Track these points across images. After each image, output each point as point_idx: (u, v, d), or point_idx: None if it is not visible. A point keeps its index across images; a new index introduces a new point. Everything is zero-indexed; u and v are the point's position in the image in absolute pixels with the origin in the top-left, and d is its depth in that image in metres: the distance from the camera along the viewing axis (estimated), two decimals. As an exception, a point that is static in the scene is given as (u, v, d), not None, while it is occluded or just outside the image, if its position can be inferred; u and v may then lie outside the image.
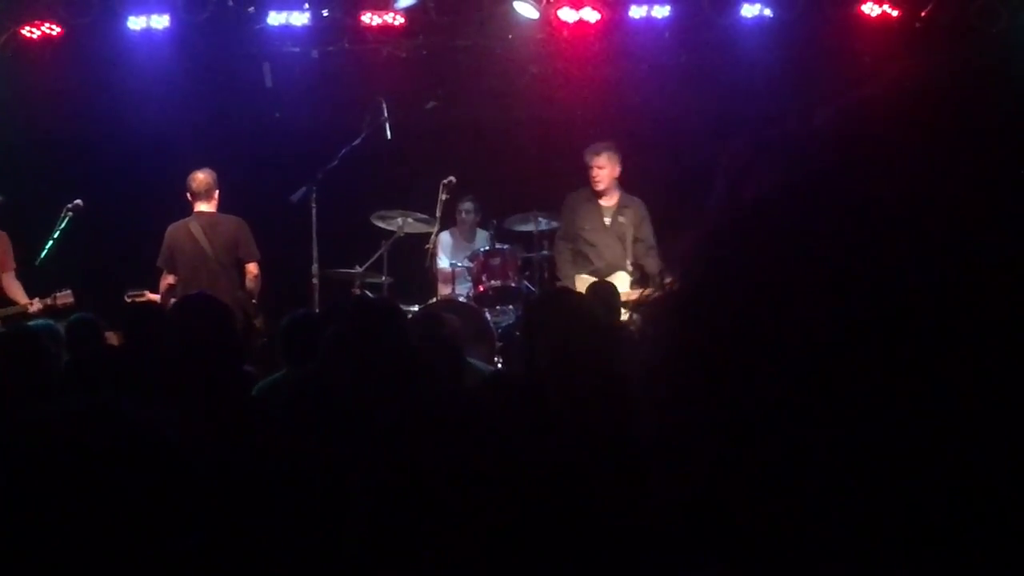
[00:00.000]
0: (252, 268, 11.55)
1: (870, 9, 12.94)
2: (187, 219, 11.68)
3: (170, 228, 11.66)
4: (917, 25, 13.04)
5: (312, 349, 5.34)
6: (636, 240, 11.66)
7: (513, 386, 4.46)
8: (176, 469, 2.39)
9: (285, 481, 3.61)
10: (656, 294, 1.10)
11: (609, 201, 11.63)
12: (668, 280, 1.08)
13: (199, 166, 12.02)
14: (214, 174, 11.76)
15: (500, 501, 2.72)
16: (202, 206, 11.68)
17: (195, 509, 2.44)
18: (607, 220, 11.50)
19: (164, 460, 2.37)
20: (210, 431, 4.02)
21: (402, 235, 12.81)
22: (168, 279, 11.60)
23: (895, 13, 12.97)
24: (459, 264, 12.89)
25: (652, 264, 11.29)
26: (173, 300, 9.88)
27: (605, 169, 11.48)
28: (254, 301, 11.47)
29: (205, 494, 2.52)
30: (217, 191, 11.72)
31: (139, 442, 2.36)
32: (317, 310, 11.32)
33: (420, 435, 2.85)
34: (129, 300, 11.58)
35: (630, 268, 11.55)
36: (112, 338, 8.87)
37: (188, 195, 11.68)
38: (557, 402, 4.24)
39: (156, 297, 11.58)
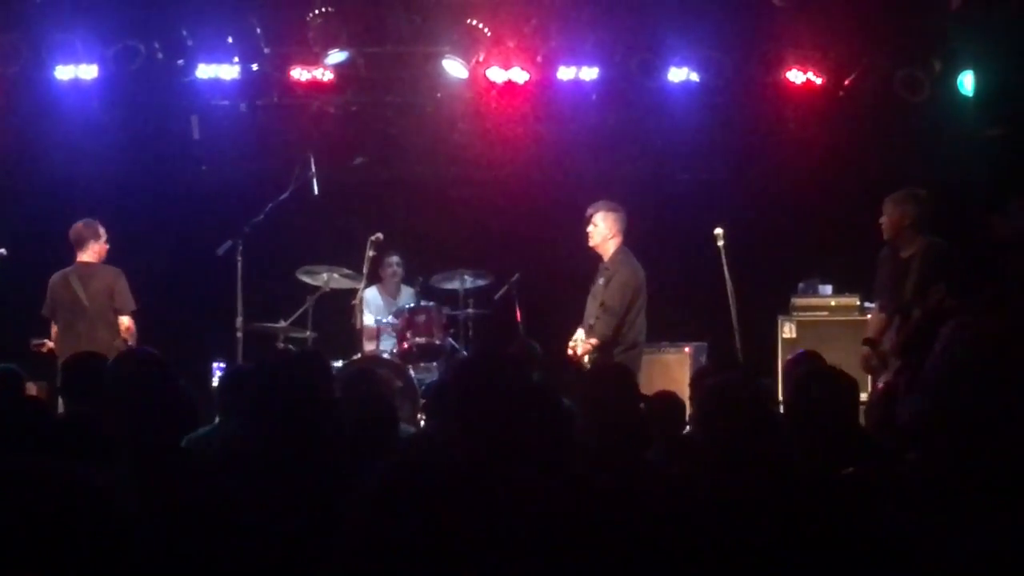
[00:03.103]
0: (123, 320, 11.53)
1: (795, 76, 13.10)
2: (67, 269, 11.75)
3: (52, 277, 11.76)
4: (840, 94, 13.21)
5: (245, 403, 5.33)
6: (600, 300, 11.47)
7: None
8: (127, 535, 2.38)
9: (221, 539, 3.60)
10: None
11: (604, 259, 11.52)
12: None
13: (123, 217, 12.03)
14: (92, 225, 11.81)
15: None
16: (82, 256, 11.77)
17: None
18: (600, 279, 11.47)
19: (115, 526, 2.36)
20: (152, 490, 4.00)
21: (327, 290, 12.80)
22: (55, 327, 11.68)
23: (819, 81, 13.14)
24: (384, 321, 12.90)
25: (598, 325, 11.22)
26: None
27: (593, 227, 11.43)
28: None
29: (153, 557, 2.51)
30: (92, 241, 11.74)
31: (91, 506, 2.35)
32: (240, 362, 11.29)
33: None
34: (33, 348, 11.54)
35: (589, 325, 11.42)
36: (32, 389, 8.78)
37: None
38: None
39: (52, 344, 11.55)
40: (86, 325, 11.44)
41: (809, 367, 6.60)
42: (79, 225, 11.80)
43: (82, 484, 2.45)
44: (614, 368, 8.30)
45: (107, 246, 11.82)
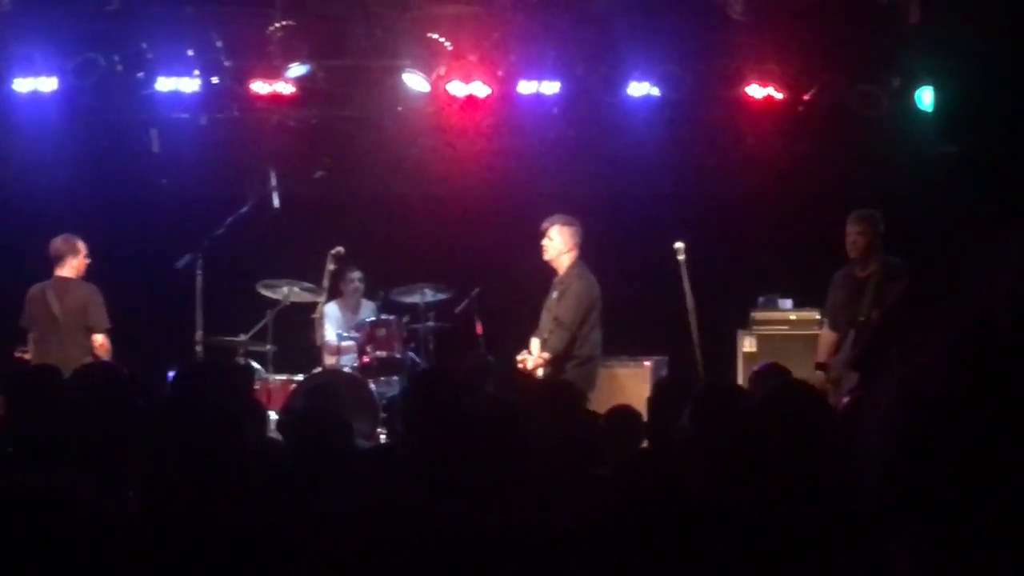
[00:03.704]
0: (97, 338, 11.50)
1: (755, 91, 13.14)
2: (45, 282, 11.72)
3: (30, 290, 11.74)
4: (800, 108, 13.27)
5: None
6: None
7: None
8: (125, 547, 2.37)
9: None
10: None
11: (559, 273, 11.52)
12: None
13: (83, 229, 11.97)
14: (71, 240, 11.75)
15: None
16: (59, 271, 11.73)
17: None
18: (554, 292, 11.47)
19: (114, 540, 2.35)
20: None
21: (287, 304, 12.78)
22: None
23: (779, 96, 13.18)
24: (346, 335, 12.88)
25: (551, 339, 11.23)
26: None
27: (548, 241, 11.43)
28: None
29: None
30: (70, 256, 11.69)
31: (89, 521, 2.34)
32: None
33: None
34: (17, 358, 11.57)
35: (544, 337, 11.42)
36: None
37: None
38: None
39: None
40: (57, 340, 11.42)
41: (778, 380, 6.60)
42: (57, 240, 11.74)
43: (101, 506, 2.44)
44: (560, 385, 8.32)
45: (87, 261, 11.77)
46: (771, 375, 7.59)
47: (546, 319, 11.36)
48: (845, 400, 6.76)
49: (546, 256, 11.43)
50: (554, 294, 11.40)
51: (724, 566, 3.98)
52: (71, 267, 11.70)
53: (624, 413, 7.67)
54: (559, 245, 11.38)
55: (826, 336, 10.77)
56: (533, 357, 11.18)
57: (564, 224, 11.41)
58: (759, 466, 4.61)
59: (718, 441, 4.36)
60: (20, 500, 2.35)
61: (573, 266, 11.36)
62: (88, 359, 11.07)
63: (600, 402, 10.32)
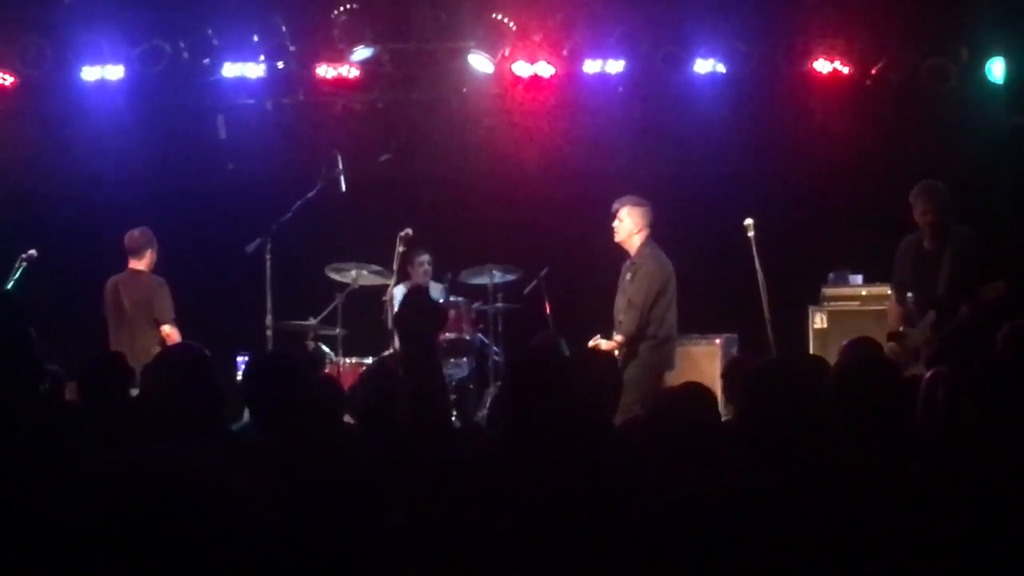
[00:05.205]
0: (165, 328, 11.53)
1: (822, 66, 13.04)
2: (119, 275, 11.84)
3: (107, 282, 11.84)
4: (868, 83, 13.14)
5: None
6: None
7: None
8: (254, 516, 2.36)
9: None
10: None
11: (631, 254, 11.43)
12: None
13: (152, 217, 12.06)
14: (147, 233, 11.85)
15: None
16: (134, 263, 11.83)
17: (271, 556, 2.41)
18: (627, 274, 11.40)
19: (243, 508, 2.34)
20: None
21: (356, 287, 12.80)
22: None
23: (846, 70, 13.08)
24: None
25: (625, 320, 11.16)
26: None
27: (618, 222, 11.36)
28: None
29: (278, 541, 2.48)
30: (149, 250, 11.80)
31: (221, 490, 2.33)
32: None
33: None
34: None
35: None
36: (72, 390, 8.80)
37: None
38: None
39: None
40: (128, 331, 11.54)
41: (865, 354, 6.55)
42: (135, 233, 11.83)
43: (230, 474, 2.43)
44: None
45: (156, 255, 11.87)
46: (861, 348, 7.53)
47: (620, 301, 11.28)
48: (927, 375, 6.66)
49: (617, 237, 11.34)
50: (627, 276, 11.31)
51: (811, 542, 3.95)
52: (147, 260, 11.79)
53: (695, 390, 7.61)
54: (629, 226, 11.29)
55: (894, 307, 10.64)
56: (606, 342, 11.08)
57: (634, 205, 11.32)
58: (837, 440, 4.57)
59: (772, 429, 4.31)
60: (149, 471, 2.34)
61: (644, 246, 11.26)
62: (155, 350, 11.14)
63: (671, 380, 10.32)
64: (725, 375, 8.73)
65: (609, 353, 10.75)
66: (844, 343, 8.60)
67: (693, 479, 4.39)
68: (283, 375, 5.28)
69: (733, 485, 4.13)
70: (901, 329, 10.30)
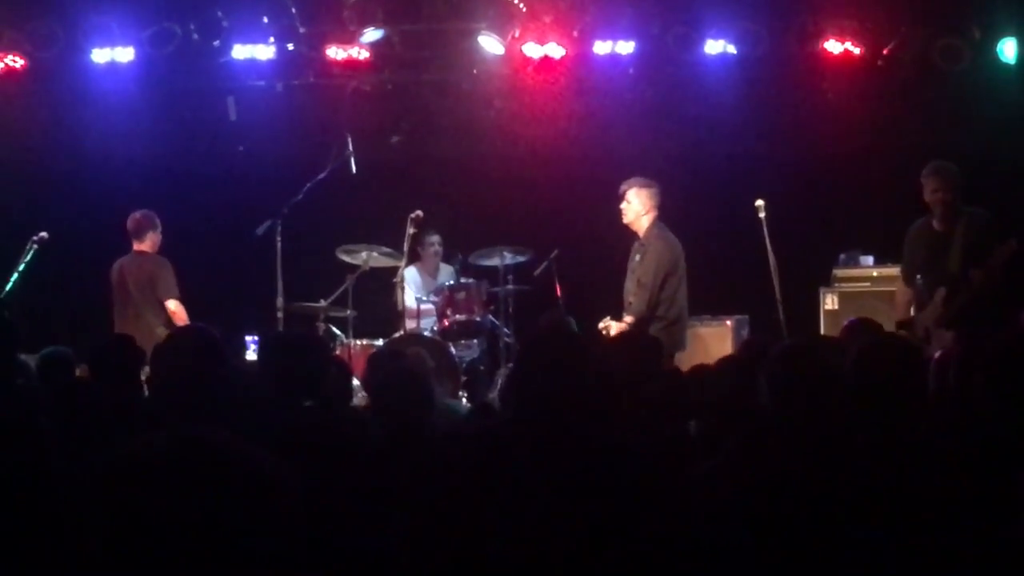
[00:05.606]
0: (169, 305, 11.63)
1: (833, 46, 13.00)
2: (124, 257, 11.93)
3: (113, 265, 11.94)
4: (879, 63, 13.09)
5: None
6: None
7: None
8: (276, 497, 2.37)
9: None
10: None
11: (640, 236, 11.42)
12: None
13: (162, 199, 12.11)
14: (149, 215, 11.93)
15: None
16: (138, 245, 11.92)
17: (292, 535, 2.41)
18: (636, 256, 11.38)
19: (265, 488, 2.35)
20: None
21: (367, 269, 12.79)
22: None
23: (857, 51, 13.03)
24: (425, 299, 12.90)
25: (635, 301, 11.15)
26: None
27: (627, 204, 11.34)
28: None
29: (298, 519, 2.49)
30: (151, 231, 11.87)
31: (241, 471, 2.34)
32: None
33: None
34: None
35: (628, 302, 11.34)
36: (84, 371, 8.82)
37: None
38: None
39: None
40: (134, 312, 11.63)
41: (872, 335, 6.53)
42: (137, 215, 11.91)
43: (251, 455, 2.44)
44: (641, 338, 8.28)
45: (160, 236, 11.91)
46: (864, 330, 7.51)
47: (630, 282, 11.28)
48: (937, 355, 6.64)
49: (625, 219, 11.34)
50: (636, 257, 11.30)
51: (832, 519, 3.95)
52: (150, 242, 11.83)
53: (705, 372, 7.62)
54: (637, 207, 11.28)
55: (903, 292, 10.60)
56: (616, 324, 11.07)
57: (641, 186, 11.31)
58: (857, 422, 4.57)
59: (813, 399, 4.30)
60: (179, 450, 2.34)
61: (652, 227, 11.25)
62: (160, 330, 11.17)
63: (682, 361, 10.31)
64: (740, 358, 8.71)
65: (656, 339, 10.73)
66: (844, 324, 8.57)
67: (710, 462, 4.38)
68: (306, 352, 5.31)
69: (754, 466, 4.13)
70: (911, 313, 10.26)
